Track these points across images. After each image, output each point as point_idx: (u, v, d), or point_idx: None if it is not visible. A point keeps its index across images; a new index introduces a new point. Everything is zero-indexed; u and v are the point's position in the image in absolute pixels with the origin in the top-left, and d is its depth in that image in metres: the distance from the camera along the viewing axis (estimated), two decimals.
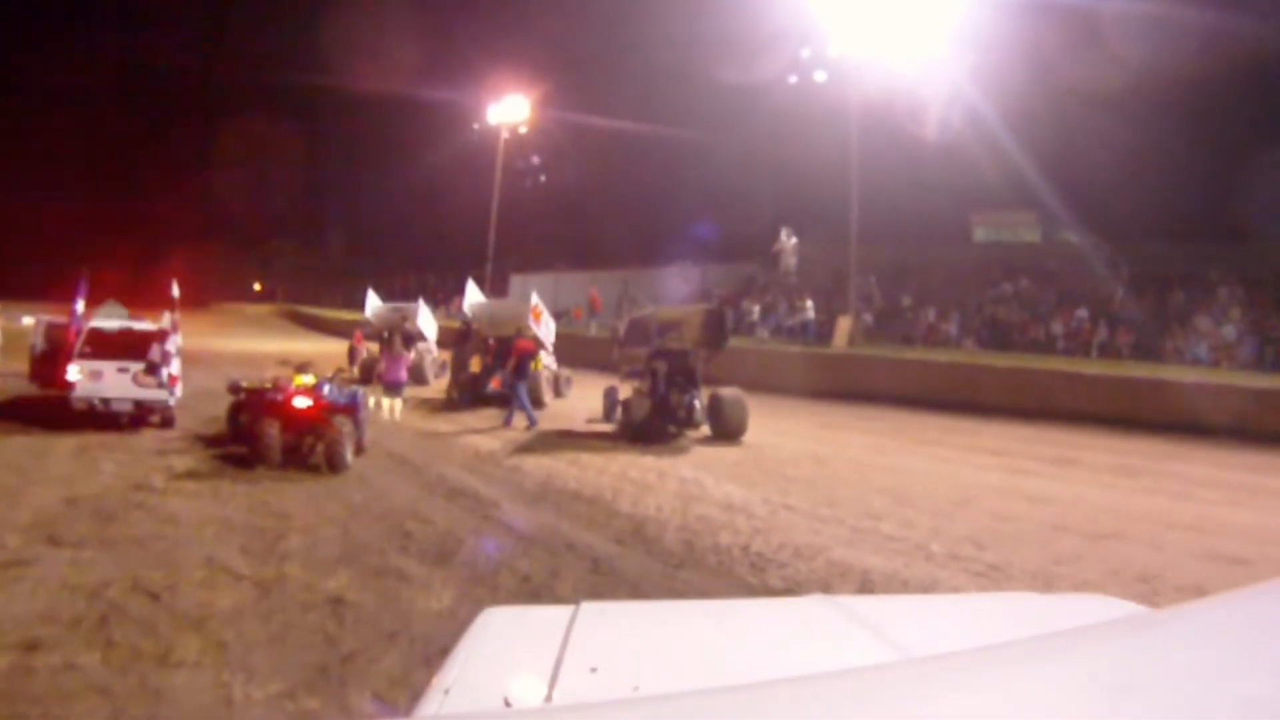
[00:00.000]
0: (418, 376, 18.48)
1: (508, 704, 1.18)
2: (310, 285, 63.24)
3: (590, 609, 1.57)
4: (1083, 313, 21.46)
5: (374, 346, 20.90)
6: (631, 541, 6.57)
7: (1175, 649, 0.84)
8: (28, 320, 13.67)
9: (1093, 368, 16.35)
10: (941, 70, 21.32)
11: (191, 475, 8.48)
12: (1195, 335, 19.27)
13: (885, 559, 6.17)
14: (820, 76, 22.55)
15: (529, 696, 1.20)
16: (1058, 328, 21.46)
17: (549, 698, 1.19)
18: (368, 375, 19.15)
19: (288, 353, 22.89)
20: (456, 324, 17.44)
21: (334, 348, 25.61)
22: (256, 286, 74.43)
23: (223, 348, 26.00)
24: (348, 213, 67.74)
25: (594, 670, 1.27)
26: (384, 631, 4.52)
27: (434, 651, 4.05)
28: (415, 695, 1.27)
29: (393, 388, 13.58)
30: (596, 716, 0.89)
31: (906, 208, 25.73)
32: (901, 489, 8.60)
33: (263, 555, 5.82)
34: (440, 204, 47.73)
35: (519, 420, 12.90)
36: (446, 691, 1.23)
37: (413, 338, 20.14)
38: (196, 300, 52.46)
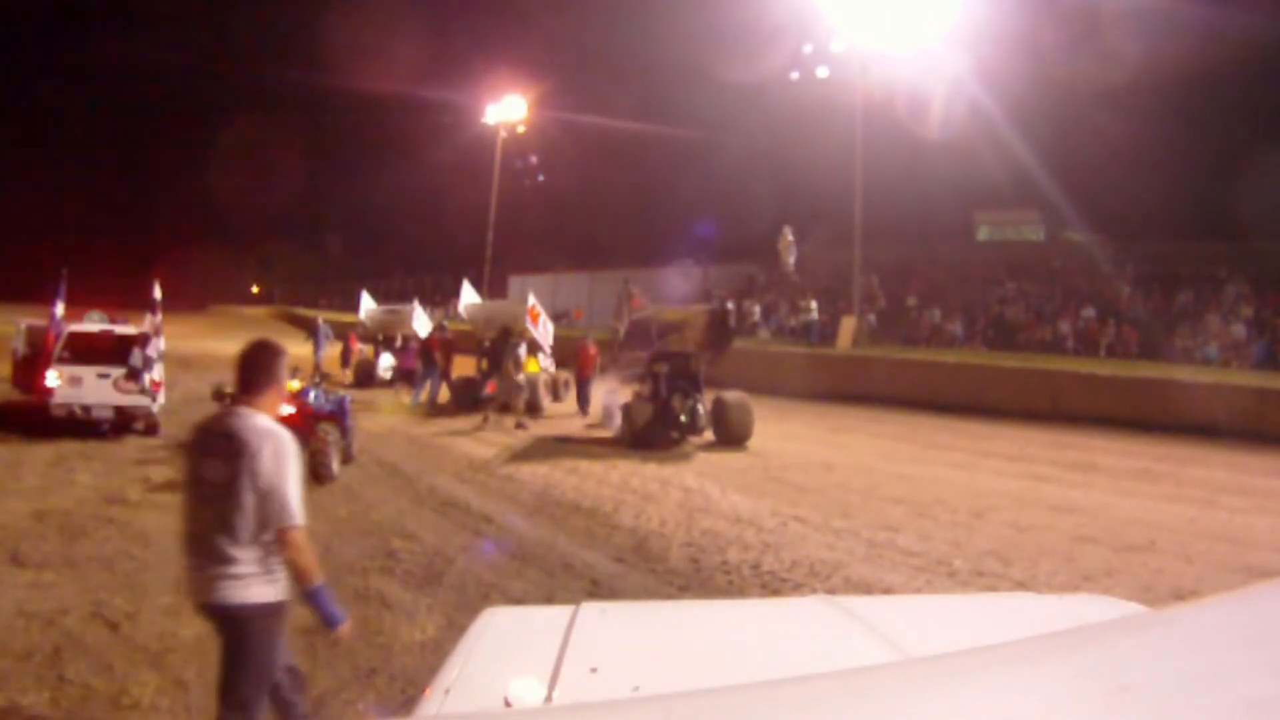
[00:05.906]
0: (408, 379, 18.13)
1: (508, 704, 1.17)
2: (308, 287, 62.83)
3: (590, 609, 1.57)
4: (1090, 312, 21.09)
5: (369, 349, 20.55)
6: (633, 559, 6.16)
7: (1175, 649, 0.82)
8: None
9: (1104, 368, 15.97)
10: (944, 67, 21.03)
11: (169, 487, 8.01)
12: (1204, 334, 18.92)
13: (906, 576, 5.78)
14: (823, 73, 22.22)
15: (529, 696, 1.19)
16: (1065, 327, 21.08)
17: (549, 698, 1.19)
18: (362, 379, 18.79)
19: None
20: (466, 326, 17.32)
21: (330, 351, 25.18)
22: (254, 289, 74.05)
23: (218, 351, 25.57)
24: (346, 214, 67.41)
25: (594, 670, 1.27)
26: (361, 668, 4.11)
27: (415, 691, 3.64)
28: (415, 695, 1.23)
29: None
30: (596, 716, 0.88)
31: (909, 206, 25.45)
32: (916, 498, 8.21)
33: None
34: (439, 205, 47.40)
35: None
36: (447, 691, 1.24)
37: (408, 340, 19.80)
38: (193, 303, 52.13)
